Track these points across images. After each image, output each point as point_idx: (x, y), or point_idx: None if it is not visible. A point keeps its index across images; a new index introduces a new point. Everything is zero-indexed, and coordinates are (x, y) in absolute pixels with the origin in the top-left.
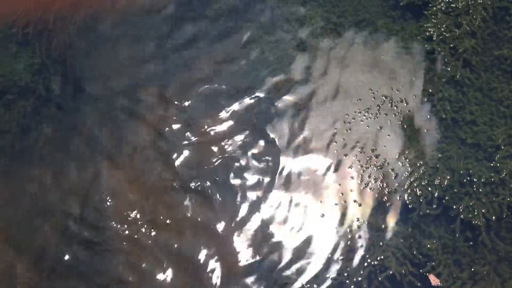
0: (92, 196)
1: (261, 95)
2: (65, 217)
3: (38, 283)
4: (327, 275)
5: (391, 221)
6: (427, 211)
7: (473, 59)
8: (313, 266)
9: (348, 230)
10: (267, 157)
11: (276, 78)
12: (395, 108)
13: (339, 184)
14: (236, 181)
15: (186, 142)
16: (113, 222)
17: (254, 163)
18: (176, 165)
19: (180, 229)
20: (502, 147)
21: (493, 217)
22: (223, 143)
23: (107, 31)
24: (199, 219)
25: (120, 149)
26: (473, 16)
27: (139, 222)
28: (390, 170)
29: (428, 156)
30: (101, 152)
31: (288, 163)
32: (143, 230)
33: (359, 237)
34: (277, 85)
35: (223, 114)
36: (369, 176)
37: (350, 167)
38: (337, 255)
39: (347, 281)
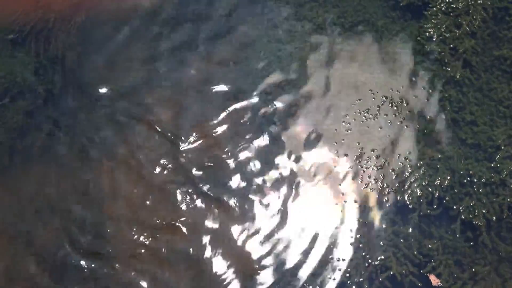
0: (93, 197)
1: (261, 95)
2: (66, 217)
3: (39, 284)
4: (328, 276)
5: (392, 221)
6: (428, 211)
7: (473, 60)
8: (314, 266)
9: (349, 230)
10: (267, 157)
11: (276, 79)
12: (395, 108)
13: (339, 185)
14: (237, 182)
15: (187, 142)
16: (114, 223)
17: (254, 163)
18: (177, 166)
19: (182, 231)
20: (502, 148)
21: (494, 218)
22: (223, 144)
23: (106, 32)
24: (200, 220)
25: (121, 150)
26: (473, 17)
27: (141, 222)
28: (390, 171)
29: (429, 157)
30: (101, 153)
31: (288, 164)
32: (145, 231)
33: (359, 237)
34: (277, 85)
35: (224, 115)
36: (369, 177)
37: (351, 167)
38: (338, 255)
39: (348, 282)
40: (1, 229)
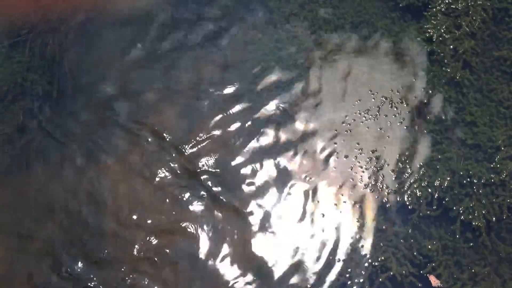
0: (94, 199)
1: (261, 96)
2: (67, 218)
3: (39, 284)
4: (328, 276)
5: (392, 222)
6: (427, 212)
7: (473, 60)
8: (314, 267)
9: (348, 231)
10: (267, 159)
11: (275, 79)
12: (395, 109)
13: (340, 185)
14: (237, 183)
15: (188, 144)
16: (114, 223)
17: (254, 164)
18: (178, 167)
19: (185, 233)
20: (502, 148)
21: (494, 218)
22: (224, 145)
23: (105, 33)
24: (202, 222)
25: (121, 151)
26: (473, 17)
27: (142, 223)
28: (390, 171)
29: (428, 157)
30: (101, 155)
31: (288, 165)
32: (147, 233)
33: (360, 238)
34: (277, 86)
35: (225, 116)
36: (369, 177)
37: (351, 168)
38: (338, 256)
39: (349, 282)
40: (1, 229)
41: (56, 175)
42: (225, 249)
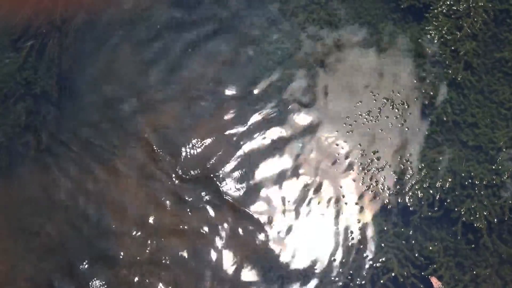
0: (95, 200)
1: (262, 97)
2: (67, 219)
3: (39, 285)
4: (330, 277)
5: (393, 223)
6: (429, 213)
7: (474, 62)
8: (315, 268)
9: (350, 232)
10: (267, 160)
11: (276, 81)
12: (397, 110)
13: (341, 186)
14: (237, 185)
15: (189, 145)
16: (118, 224)
17: (255, 165)
18: (179, 167)
19: (188, 234)
20: (504, 150)
21: (495, 220)
22: (224, 147)
23: (106, 34)
24: (204, 225)
25: (121, 154)
26: (474, 19)
27: (145, 224)
28: (391, 172)
29: (430, 159)
30: (100, 157)
31: (289, 166)
32: (149, 233)
33: (361, 239)
34: (277, 87)
35: (225, 117)
36: (371, 179)
37: (352, 169)
38: (339, 257)
39: (350, 283)
40: (3, 229)
41: (59, 175)
42: (227, 250)
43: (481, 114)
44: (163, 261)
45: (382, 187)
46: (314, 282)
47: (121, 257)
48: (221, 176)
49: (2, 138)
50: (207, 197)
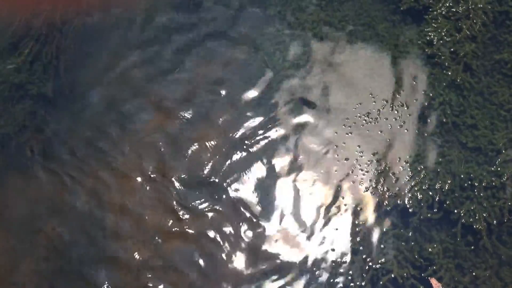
0: (94, 202)
1: (261, 98)
2: (67, 220)
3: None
4: (329, 279)
5: (393, 224)
6: (428, 215)
7: (474, 63)
8: (315, 270)
9: (350, 233)
10: (266, 162)
11: (276, 82)
12: (396, 112)
13: (340, 188)
14: (236, 188)
15: (188, 149)
16: (116, 226)
17: (253, 168)
18: (182, 170)
19: (187, 239)
20: (503, 151)
21: (494, 221)
22: (224, 149)
23: (105, 36)
24: (206, 227)
25: (120, 156)
26: (474, 21)
27: (145, 227)
28: (391, 174)
29: (429, 160)
30: (99, 159)
31: (288, 167)
32: (149, 237)
33: (361, 240)
34: (277, 88)
35: (224, 119)
36: (370, 180)
37: (351, 171)
38: (339, 258)
39: (350, 284)
40: (3, 230)
41: (58, 175)
42: (230, 253)
43: (481, 115)
44: (166, 265)
45: (382, 189)
46: (313, 283)
47: (122, 259)
48: (223, 179)
49: (2, 139)
50: (210, 200)
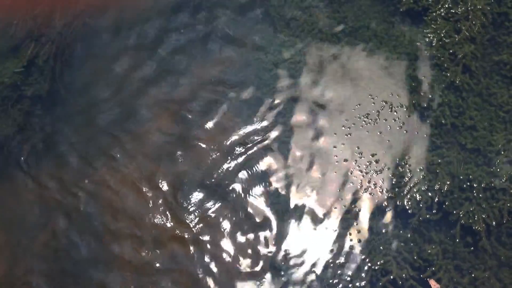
0: (91, 204)
1: (261, 99)
2: (66, 221)
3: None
4: (328, 280)
5: (391, 225)
6: (427, 216)
7: (473, 65)
8: (314, 271)
9: (349, 234)
10: (265, 163)
11: (276, 82)
12: (395, 113)
13: (339, 189)
14: (235, 190)
15: (191, 145)
16: (115, 226)
17: (252, 169)
18: (174, 177)
19: (189, 242)
20: (502, 152)
21: (494, 223)
22: (223, 151)
23: (103, 37)
24: (206, 230)
25: (118, 158)
26: (473, 22)
27: (144, 230)
28: (390, 175)
29: (428, 161)
30: (101, 158)
31: (287, 169)
32: (148, 239)
33: (360, 241)
34: (277, 89)
35: (224, 121)
36: (369, 181)
37: (350, 172)
38: (338, 259)
39: (349, 285)
40: (2, 230)
41: (57, 175)
42: (227, 252)
43: (480, 117)
44: (166, 265)
45: (381, 190)
46: (312, 284)
47: (122, 260)
48: (223, 179)
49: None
50: (210, 201)
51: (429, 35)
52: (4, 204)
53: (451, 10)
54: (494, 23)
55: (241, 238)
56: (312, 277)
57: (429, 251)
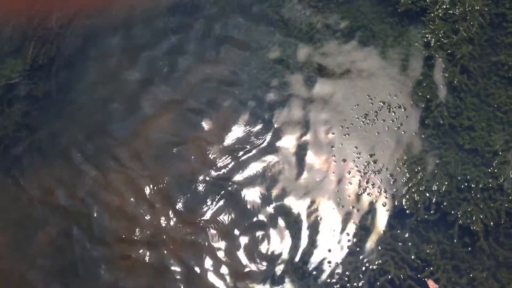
0: (92, 200)
1: (261, 98)
2: (65, 221)
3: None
4: (326, 279)
5: (390, 225)
6: (425, 216)
7: (471, 65)
8: (312, 271)
9: (347, 234)
10: (264, 164)
11: (275, 83)
12: (393, 114)
13: (337, 190)
14: (233, 191)
15: (191, 146)
16: (114, 226)
17: (250, 170)
18: (171, 179)
19: (197, 245)
20: (500, 153)
21: (491, 223)
22: (222, 153)
23: (102, 38)
24: (212, 233)
25: (116, 161)
26: (471, 22)
27: (143, 225)
28: (388, 176)
29: (426, 162)
30: (95, 163)
31: (286, 169)
32: (155, 242)
33: (358, 241)
34: (276, 89)
35: (223, 122)
36: (367, 182)
37: (348, 172)
38: (336, 259)
39: (347, 285)
40: (3, 229)
41: (56, 176)
42: (227, 252)
43: (477, 117)
44: (166, 265)
45: (379, 190)
46: (311, 284)
47: (122, 260)
48: (223, 179)
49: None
50: (210, 201)
51: (427, 35)
52: (4, 204)
53: (449, 11)
54: (492, 24)
55: (241, 238)
56: (310, 276)
57: (427, 251)
